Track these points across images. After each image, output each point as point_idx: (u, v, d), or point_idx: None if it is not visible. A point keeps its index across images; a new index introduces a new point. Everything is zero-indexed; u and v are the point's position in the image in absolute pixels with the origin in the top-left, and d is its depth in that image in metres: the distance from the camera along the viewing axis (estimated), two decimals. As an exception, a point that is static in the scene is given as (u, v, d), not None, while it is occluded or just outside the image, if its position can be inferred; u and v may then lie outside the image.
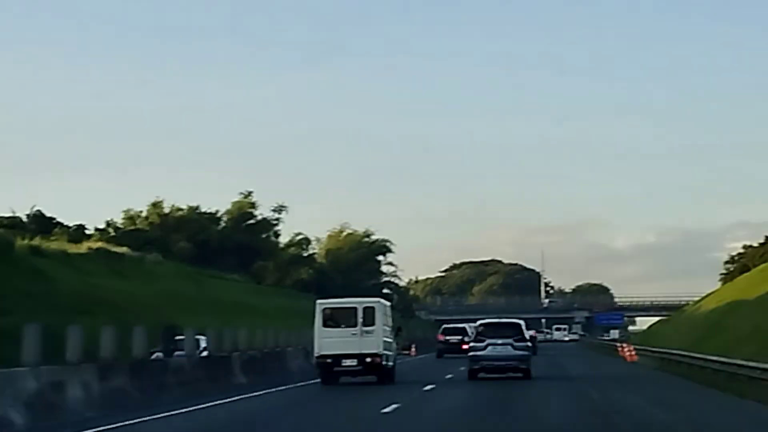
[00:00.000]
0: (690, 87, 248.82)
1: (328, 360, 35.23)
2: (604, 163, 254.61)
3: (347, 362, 35.16)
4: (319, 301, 37.19)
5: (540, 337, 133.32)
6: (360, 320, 35.18)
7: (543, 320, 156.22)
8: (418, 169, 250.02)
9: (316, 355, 35.75)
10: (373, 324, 35.16)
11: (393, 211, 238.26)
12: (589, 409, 25.05)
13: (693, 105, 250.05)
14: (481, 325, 39.63)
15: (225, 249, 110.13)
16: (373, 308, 35.58)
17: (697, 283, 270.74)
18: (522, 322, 39.76)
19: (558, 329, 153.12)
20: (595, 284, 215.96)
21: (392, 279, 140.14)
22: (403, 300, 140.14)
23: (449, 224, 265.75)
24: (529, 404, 27.05)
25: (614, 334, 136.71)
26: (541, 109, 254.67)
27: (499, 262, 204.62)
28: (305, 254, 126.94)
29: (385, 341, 35.73)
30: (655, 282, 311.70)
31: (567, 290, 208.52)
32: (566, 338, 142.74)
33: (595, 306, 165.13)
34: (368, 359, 34.99)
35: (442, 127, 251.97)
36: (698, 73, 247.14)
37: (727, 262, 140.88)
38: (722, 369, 36.88)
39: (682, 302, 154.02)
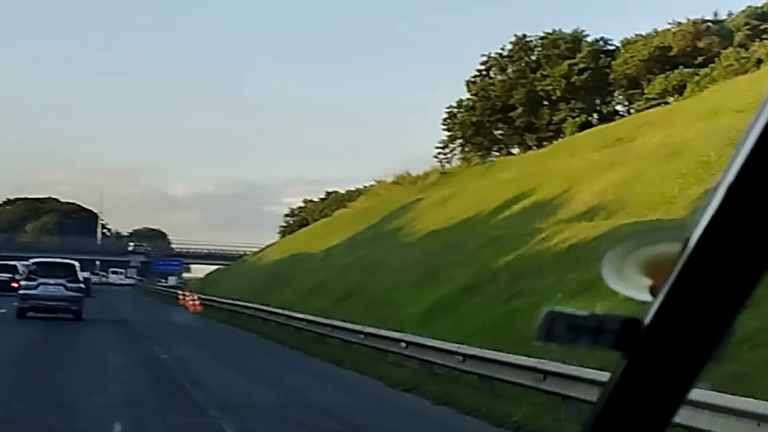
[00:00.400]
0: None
1: None
2: (162, 108, 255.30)
3: None
4: None
5: (95, 279, 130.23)
6: None
7: (98, 262, 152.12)
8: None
9: None
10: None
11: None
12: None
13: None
14: (33, 263, 39.29)
15: None
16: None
17: (256, 235, 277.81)
18: (76, 264, 39.73)
19: (114, 272, 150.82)
20: (152, 229, 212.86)
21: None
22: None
23: (3, 158, 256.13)
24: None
25: (172, 280, 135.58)
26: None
27: (56, 200, 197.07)
28: None
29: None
30: (213, 231, 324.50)
31: (124, 233, 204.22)
32: (122, 281, 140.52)
33: (153, 251, 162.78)
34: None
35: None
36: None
37: (287, 215, 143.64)
38: (288, 323, 35.62)
39: (241, 252, 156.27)
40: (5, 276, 66.09)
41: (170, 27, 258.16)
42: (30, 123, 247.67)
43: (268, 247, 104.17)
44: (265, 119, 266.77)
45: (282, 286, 54.32)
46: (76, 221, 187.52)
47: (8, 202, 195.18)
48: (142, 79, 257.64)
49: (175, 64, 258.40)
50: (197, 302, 52.76)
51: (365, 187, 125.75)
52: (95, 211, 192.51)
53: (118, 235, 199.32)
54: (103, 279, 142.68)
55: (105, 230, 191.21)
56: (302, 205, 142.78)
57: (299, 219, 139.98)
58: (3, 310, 40.22)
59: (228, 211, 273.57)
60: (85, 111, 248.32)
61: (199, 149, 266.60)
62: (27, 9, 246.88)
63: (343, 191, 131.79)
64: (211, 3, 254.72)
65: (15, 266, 67.02)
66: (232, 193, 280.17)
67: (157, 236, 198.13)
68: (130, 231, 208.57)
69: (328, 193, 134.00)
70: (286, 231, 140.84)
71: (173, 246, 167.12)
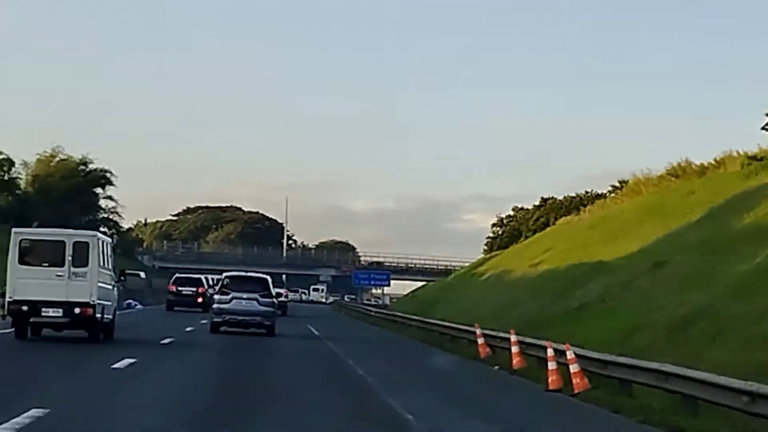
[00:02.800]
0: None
1: (24, 307, 28.92)
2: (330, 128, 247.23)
3: (49, 312, 28.79)
4: (15, 230, 30.19)
5: (293, 296, 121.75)
6: (69, 258, 28.75)
7: (284, 276, 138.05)
8: (157, 111, 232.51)
9: (8, 299, 29.33)
10: (85, 264, 28.89)
11: (124, 150, 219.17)
12: None
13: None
14: (227, 277, 39.60)
15: None
16: (86, 244, 29.13)
17: (439, 251, 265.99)
18: (268, 278, 39.97)
19: (315, 289, 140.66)
20: (340, 242, 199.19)
21: (112, 216, 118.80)
22: (124, 241, 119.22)
23: (185, 174, 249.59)
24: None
25: (376, 297, 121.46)
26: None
27: (239, 209, 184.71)
28: (5, 177, 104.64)
29: (101, 287, 29.43)
30: (393, 247, 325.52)
31: (311, 245, 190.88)
32: (326, 300, 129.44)
33: (342, 265, 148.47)
34: (77, 309, 28.71)
35: (185, 70, 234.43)
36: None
37: (495, 225, 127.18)
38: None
39: (441, 267, 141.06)
40: (189, 290, 62.88)
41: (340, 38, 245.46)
42: (207, 139, 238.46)
43: (490, 258, 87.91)
44: (441, 136, 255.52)
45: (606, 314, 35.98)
46: (260, 231, 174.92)
47: (188, 210, 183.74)
48: (323, 97, 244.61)
49: (352, 80, 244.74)
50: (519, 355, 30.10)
51: (587, 192, 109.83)
52: (279, 220, 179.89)
53: (303, 247, 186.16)
54: (303, 297, 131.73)
55: (290, 241, 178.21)
56: (511, 214, 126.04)
57: (509, 229, 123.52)
58: (190, 328, 39.53)
59: (408, 227, 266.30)
60: (261, 125, 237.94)
61: (377, 165, 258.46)
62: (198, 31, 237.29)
63: (560, 197, 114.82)
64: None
65: (200, 279, 64.42)
66: (411, 209, 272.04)
67: (344, 249, 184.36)
68: (316, 244, 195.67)
69: (544, 200, 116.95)
70: (494, 242, 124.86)
71: (363, 260, 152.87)
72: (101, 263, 29.44)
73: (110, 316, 31.11)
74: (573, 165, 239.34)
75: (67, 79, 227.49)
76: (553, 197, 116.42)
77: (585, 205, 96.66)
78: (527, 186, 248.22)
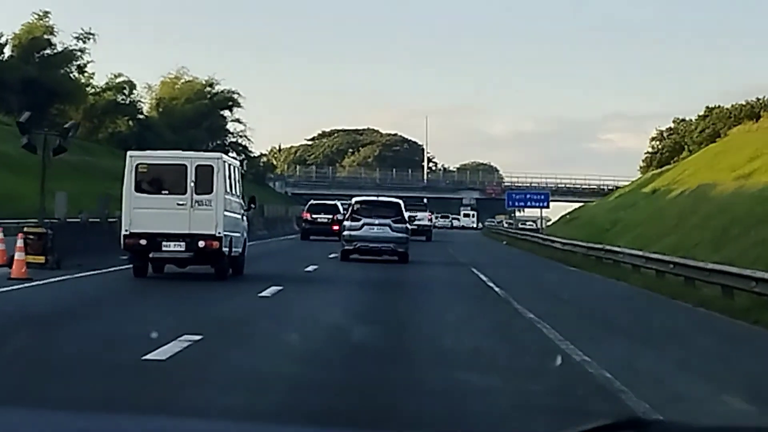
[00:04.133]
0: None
1: (142, 241, 25.28)
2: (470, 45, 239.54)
3: (170, 245, 25.26)
4: (131, 153, 26.55)
5: (443, 222, 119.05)
6: (191, 185, 25.27)
7: (425, 200, 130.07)
8: (293, 34, 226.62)
9: (124, 233, 25.51)
10: (210, 191, 25.24)
11: (255, 73, 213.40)
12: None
13: None
14: (357, 202, 38.42)
15: (8, 86, 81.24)
16: (210, 168, 25.46)
17: (579, 171, 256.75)
18: (401, 202, 38.60)
19: (466, 214, 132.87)
20: (482, 164, 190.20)
21: (240, 140, 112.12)
22: (254, 166, 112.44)
23: (319, 97, 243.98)
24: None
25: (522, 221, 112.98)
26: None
27: (376, 131, 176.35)
28: (126, 101, 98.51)
29: (228, 217, 25.71)
30: (534, 168, 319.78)
31: (452, 168, 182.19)
32: (476, 225, 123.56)
33: (488, 187, 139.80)
34: (201, 243, 25.10)
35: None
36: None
37: (654, 139, 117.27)
38: None
39: (586, 188, 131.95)
40: (325, 217, 60.21)
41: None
42: (341, 64, 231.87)
43: (661, 174, 78.11)
44: (583, 52, 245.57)
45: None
46: (399, 155, 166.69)
47: (324, 134, 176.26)
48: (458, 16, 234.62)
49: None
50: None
51: (758, 100, 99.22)
52: (419, 142, 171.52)
53: (445, 169, 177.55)
54: (454, 222, 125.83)
55: (431, 164, 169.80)
56: (672, 126, 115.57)
57: (669, 143, 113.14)
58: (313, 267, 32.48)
59: (547, 148, 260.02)
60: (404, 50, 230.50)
61: (516, 86, 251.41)
62: None
63: (728, 106, 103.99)
64: None
65: (336, 206, 61.87)
66: (549, 131, 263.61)
67: (487, 171, 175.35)
68: (457, 166, 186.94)
69: (710, 109, 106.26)
70: (652, 158, 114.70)
71: (509, 181, 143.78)
72: (228, 189, 26.01)
73: (239, 249, 27.57)
74: (711, 80, 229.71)
75: None
76: (719, 106, 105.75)
77: (759, 114, 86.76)
78: (667, 104, 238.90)
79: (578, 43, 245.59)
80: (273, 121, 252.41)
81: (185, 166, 25.48)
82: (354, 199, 39.32)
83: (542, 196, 69.24)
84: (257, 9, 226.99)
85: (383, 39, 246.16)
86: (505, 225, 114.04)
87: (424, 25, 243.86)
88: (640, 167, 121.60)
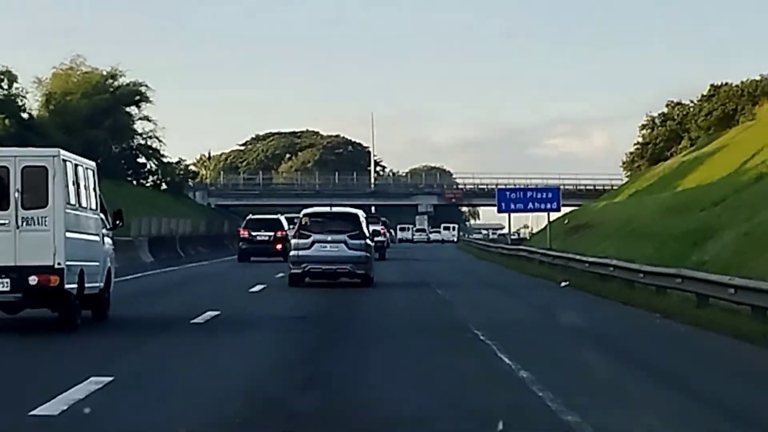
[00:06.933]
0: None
1: None
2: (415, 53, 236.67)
3: None
4: None
5: (419, 236, 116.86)
6: (15, 196, 19.15)
7: (373, 208, 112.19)
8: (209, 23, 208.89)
9: None
10: (44, 204, 19.25)
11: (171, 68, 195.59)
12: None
13: None
14: (306, 215, 33.37)
15: None
16: (43, 170, 19.34)
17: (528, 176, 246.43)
18: (360, 213, 34.12)
19: (446, 227, 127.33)
20: (434, 167, 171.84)
21: (150, 142, 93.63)
22: (168, 174, 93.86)
23: (252, 100, 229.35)
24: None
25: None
26: None
27: (317, 133, 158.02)
28: (2, 97, 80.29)
29: (76, 239, 19.90)
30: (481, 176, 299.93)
31: (402, 172, 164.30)
32: (456, 239, 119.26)
33: (447, 191, 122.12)
34: (33, 278, 19.11)
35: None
36: None
37: (644, 127, 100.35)
38: None
39: (567, 187, 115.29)
40: (266, 235, 53.85)
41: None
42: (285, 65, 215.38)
43: (685, 167, 60.05)
44: (518, 57, 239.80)
45: None
46: (342, 158, 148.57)
47: (258, 138, 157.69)
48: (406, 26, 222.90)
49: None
50: None
51: None
52: (365, 144, 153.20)
53: (394, 174, 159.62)
54: (432, 236, 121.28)
55: (378, 167, 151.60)
56: (665, 111, 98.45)
57: (663, 131, 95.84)
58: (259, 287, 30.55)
59: (492, 155, 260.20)
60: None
61: (457, 94, 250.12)
62: None
63: (737, 83, 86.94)
64: None
65: (278, 220, 55.83)
66: (492, 137, 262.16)
67: (439, 175, 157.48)
68: (406, 171, 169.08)
69: (715, 88, 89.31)
70: (644, 150, 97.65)
71: (470, 183, 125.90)
72: (74, 201, 19.73)
73: (98, 284, 21.07)
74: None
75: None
76: (725, 83, 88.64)
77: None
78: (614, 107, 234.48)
79: (521, 49, 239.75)
80: (202, 127, 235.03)
81: (6, 168, 19.19)
82: (303, 212, 34.54)
83: (550, 194, 50.60)
84: None
85: (324, 41, 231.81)
86: (489, 235, 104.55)
87: (366, 30, 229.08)
88: (624, 162, 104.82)
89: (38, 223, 19.09)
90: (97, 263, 21.29)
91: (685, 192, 50.61)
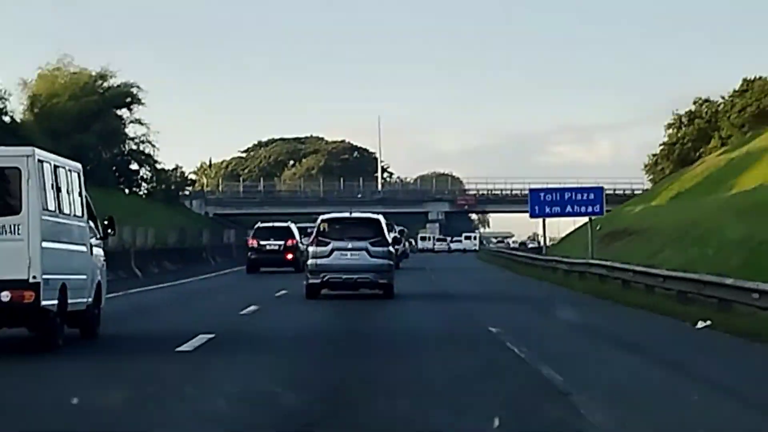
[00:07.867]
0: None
1: None
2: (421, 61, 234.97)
3: None
4: None
5: (439, 246, 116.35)
6: None
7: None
8: (222, 30, 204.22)
9: None
10: (16, 210, 17.74)
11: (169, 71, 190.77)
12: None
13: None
14: (324, 221, 31.40)
15: None
16: (16, 172, 17.76)
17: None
18: (381, 218, 31.84)
19: (467, 237, 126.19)
20: (443, 173, 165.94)
21: (143, 147, 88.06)
22: (162, 181, 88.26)
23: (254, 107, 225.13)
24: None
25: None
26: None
27: (321, 139, 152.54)
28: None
29: (56, 250, 18.35)
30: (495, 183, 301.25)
31: (410, 179, 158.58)
32: (477, 248, 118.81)
33: (459, 197, 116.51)
34: (5, 295, 17.57)
35: None
36: None
37: (671, 126, 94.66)
38: None
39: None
40: (276, 244, 50.76)
41: None
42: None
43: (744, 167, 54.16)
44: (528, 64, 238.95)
45: None
46: (348, 164, 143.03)
47: (260, 144, 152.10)
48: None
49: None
50: None
51: None
52: (371, 150, 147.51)
53: (402, 181, 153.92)
54: (452, 246, 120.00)
55: (386, 174, 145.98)
56: (692, 109, 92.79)
57: (691, 130, 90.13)
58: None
59: (497, 163, 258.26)
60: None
61: (464, 101, 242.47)
62: None
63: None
64: None
65: (288, 228, 52.57)
66: (499, 144, 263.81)
67: (450, 181, 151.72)
68: (414, 177, 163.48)
69: (749, 82, 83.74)
70: (671, 150, 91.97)
71: (482, 189, 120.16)
72: (54, 206, 18.21)
73: (86, 299, 19.74)
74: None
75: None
76: (760, 77, 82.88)
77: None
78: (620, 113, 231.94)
79: (527, 58, 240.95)
80: (203, 135, 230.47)
81: None
82: (321, 218, 32.76)
83: (592, 195, 44.15)
84: None
85: (329, 47, 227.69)
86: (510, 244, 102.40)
87: (371, 38, 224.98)
88: (646, 165, 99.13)
89: (10, 232, 17.69)
90: (83, 276, 19.72)
91: (755, 190, 44.61)
